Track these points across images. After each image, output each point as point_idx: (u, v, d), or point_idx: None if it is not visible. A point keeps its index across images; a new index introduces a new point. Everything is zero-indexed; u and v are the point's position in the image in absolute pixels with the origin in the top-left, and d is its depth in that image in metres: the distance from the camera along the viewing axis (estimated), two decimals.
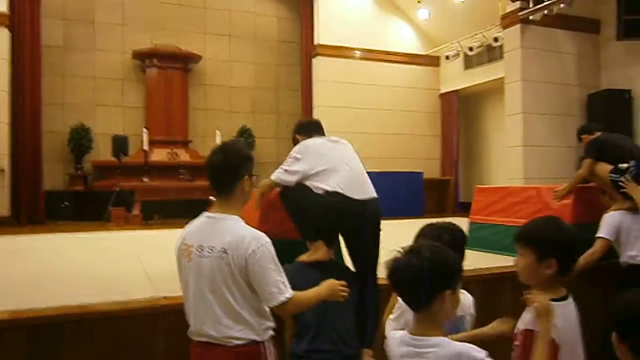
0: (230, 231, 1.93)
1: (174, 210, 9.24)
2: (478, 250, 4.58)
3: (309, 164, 2.76)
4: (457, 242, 2.04)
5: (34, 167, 9.10)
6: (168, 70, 10.62)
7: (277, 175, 2.87)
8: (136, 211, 8.64)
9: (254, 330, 1.93)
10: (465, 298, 2.10)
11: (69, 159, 10.06)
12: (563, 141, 8.30)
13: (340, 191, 2.64)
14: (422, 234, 2.10)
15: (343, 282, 2.11)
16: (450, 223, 2.16)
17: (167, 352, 2.62)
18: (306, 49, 11.38)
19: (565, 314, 1.85)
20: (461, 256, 1.94)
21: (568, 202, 4.08)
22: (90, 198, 9.60)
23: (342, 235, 2.85)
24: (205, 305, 1.92)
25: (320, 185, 2.69)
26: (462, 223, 5.10)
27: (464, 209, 9.65)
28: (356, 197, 2.68)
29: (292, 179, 2.79)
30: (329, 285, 2.08)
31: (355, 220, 2.67)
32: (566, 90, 8.57)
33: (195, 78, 11.25)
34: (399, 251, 1.61)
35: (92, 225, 8.37)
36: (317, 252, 2.60)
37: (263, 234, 1.97)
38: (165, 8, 10.98)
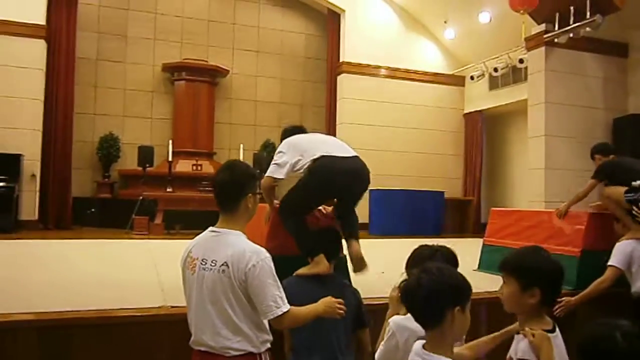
0: (232, 245, 2.01)
1: (195, 221, 9.35)
2: (489, 273, 4.56)
3: (294, 153, 2.94)
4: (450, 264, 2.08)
5: (63, 174, 9.39)
6: (196, 83, 10.89)
7: (269, 171, 3.01)
8: (158, 220, 8.81)
9: (251, 343, 1.99)
10: None
11: (97, 167, 10.38)
12: (586, 165, 8.06)
13: (326, 154, 2.82)
14: (415, 255, 2.14)
15: (340, 300, 2.17)
16: (443, 246, 2.20)
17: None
18: (332, 66, 11.52)
19: (557, 345, 1.87)
20: None
21: (581, 228, 4.05)
22: (115, 205, 9.86)
23: (337, 193, 2.98)
24: (206, 315, 2.00)
25: (308, 159, 2.85)
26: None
27: (485, 229, 9.56)
28: (341, 155, 2.85)
29: (282, 171, 2.94)
30: (327, 303, 2.14)
31: (348, 175, 2.84)
32: (591, 113, 8.48)
33: (222, 92, 11.50)
34: (411, 273, 1.69)
35: (116, 232, 8.59)
36: (317, 266, 2.65)
37: (263, 249, 2.04)
38: (196, 23, 11.29)
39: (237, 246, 2.01)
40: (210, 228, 2.13)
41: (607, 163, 4.10)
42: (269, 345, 2.08)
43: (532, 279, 1.88)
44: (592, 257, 3.86)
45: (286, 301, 2.00)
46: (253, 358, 2.00)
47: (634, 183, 3.71)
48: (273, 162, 3.00)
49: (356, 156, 2.94)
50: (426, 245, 2.20)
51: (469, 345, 2.11)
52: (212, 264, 2.00)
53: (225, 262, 1.97)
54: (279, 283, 2.02)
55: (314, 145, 2.92)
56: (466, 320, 1.63)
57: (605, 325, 1.39)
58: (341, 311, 2.14)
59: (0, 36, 8.50)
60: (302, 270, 2.68)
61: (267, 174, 3.00)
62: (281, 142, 3.19)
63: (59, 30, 9.35)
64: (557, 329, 1.92)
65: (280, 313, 1.96)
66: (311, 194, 2.95)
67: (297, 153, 2.92)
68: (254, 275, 1.95)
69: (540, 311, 1.92)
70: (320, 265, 2.65)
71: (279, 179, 3.00)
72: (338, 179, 2.77)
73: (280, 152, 3.00)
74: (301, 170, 2.93)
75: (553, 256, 4.02)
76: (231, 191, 2.12)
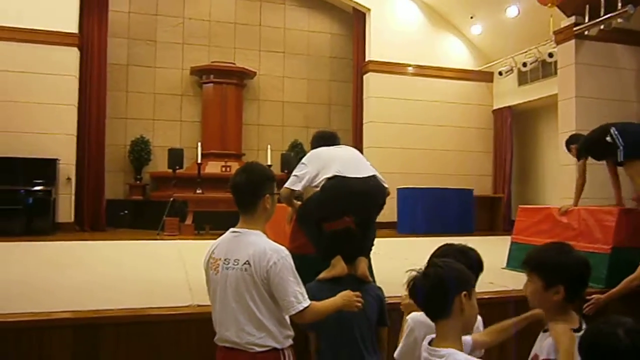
0: (253, 245, 2.08)
1: (224, 221, 9.45)
2: (517, 271, 4.51)
3: (314, 167, 2.97)
4: (472, 266, 2.07)
5: (97, 177, 9.67)
6: (224, 85, 11.05)
7: (289, 182, 3.07)
8: (189, 221, 8.99)
9: (275, 338, 2.05)
10: None
11: (129, 169, 10.64)
12: None
13: (338, 174, 2.83)
14: (439, 253, 2.15)
15: (358, 293, 2.21)
16: (468, 247, 2.18)
17: (197, 357, 2.78)
18: (358, 65, 11.52)
19: None
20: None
21: (611, 224, 3.97)
22: (147, 207, 10.11)
23: (347, 213, 3.00)
24: (230, 313, 2.06)
25: (323, 177, 2.88)
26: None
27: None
28: (353, 175, 2.85)
29: (300, 184, 2.99)
30: (344, 295, 2.20)
31: (356, 197, 2.84)
32: (624, 106, 8.24)
33: (249, 93, 11.64)
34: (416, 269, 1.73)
35: (148, 233, 8.80)
36: (334, 269, 2.68)
37: (283, 248, 2.10)
38: (223, 27, 11.46)
39: (258, 245, 2.07)
40: (231, 229, 2.19)
41: (578, 140, 4.54)
42: (291, 341, 2.13)
43: (555, 277, 1.87)
44: (623, 255, 3.78)
45: (307, 297, 2.06)
46: (277, 353, 2.05)
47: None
48: (294, 173, 3.07)
49: (371, 176, 2.95)
50: (449, 245, 2.20)
51: (487, 330, 2.11)
52: (235, 263, 2.06)
53: (247, 261, 2.04)
54: (299, 279, 2.07)
55: (331, 162, 2.95)
56: (473, 308, 1.65)
57: (607, 323, 1.37)
58: (359, 304, 2.19)
59: (36, 45, 8.82)
60: (321, 275, 2.71)
61: (286, 185, 3.06)
62: (311, 147, 3.27)
63: (91, 38, 9.63)
64: (584, 327, 1.90)
65: (301, 308, 2.02)
66: (323, 211, 3.00)
67: (316, 168, 2.97)
68: (275, 272, 2.01)
69: (566, 308, 1.91)
70: (337, 267, 2.67)
71: (297, 191, 3.08)
72: (347, 201, 2.82)
73: (302, 164, 3.07)
74: (318, 186, 2.98)
75: (582, 254, 3.98)
76: (248, 193, 2.17)
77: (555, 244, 2.05)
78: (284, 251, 2.08)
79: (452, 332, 1.63)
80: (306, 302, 2.04)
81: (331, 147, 3.15)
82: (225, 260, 2.10)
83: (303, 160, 3.07)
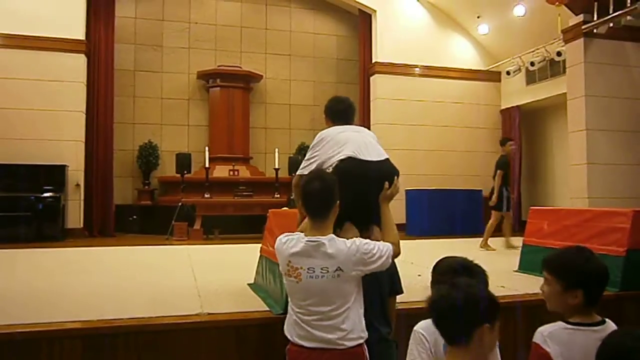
0: (338, 253, 2.17)
1: (233, 225, 9.57)
2: (529, 274, 4.46)
3: (326, 149, 2.83)
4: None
5: (105, 182, 9.69)
6: (230, 89, 11.06)
7: (301, 168, 2.93)
8: (197, 226, 8.99)
9: (359, 334, 2.19)
10: None
11: (137, 174, 10.67)
12: (630, 159, 7.92)
13: (352, 155, 2.70)
14: (440, 268, 2.09)
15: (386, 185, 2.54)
16: (475, 264, 2.11)
17: None
18: (364, 67, 11.48)
19: (577, 342, 1.80)
20: None
21: (626, 226, 3.90)
22: (155, 212, 10.13)
23: (360, 196, 2.77)
24: (319, 315, 2.15)
25: (336, 159, 2.73)
26: (521, 242, 5.01)
27: (525, 227, 9.34)
28: (367, 158, 2.72)
29: (309, 168, 2.84)
30: (386, 196, 2.55)
31: (371, 179, 2.69)
32: (634, 105, 8.18)
33: (256, 96, 11.64)
34: (439, 288, 1.68)
35: (157, 238, 8.81)
36: (347, 233, 2.56)
37: (355, 241, 2.23)
38: (229, 30, 11.47)
39: (341, 251, 2.17)
40: (304, 238, 2.23)
41: None
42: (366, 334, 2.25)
43: (574, 281, 1.85)
44: (638, 257, 3.72)
45: (381, 244, 2.27)
46: (360, 348, 2.18)
47: None
48: (305, 158, 2.96)
49: (385, 159, 2.83)
50: (450, 258, 2.14)
51: None
52: (323, 271, 2.15)
53: (338, 267, 2.15)
54: (367, 241, 2.24)
55: (344, 144, 2.82)
56: (494, 338, 1.59)
57: (631, 335, 1.33)
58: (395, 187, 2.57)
59: (43, 52, 8.87)
60: None
61: (298, 172, 2.94)
62: (324, 114, 3.15)
63: (98, 44, 9.66)
64: (606, 323, 1.86)
65: (391, 251, 2.27)
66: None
67: (329, 150, 2.84)
68: (363, 260, 2.18)
69: (586, 309, 1.87)
70: (349, 232, 2.57)
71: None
72: (361, 183, 2.68)
73: (313, 146, 2.94)
74: (330, 167, 2.86)
75: (602, 260, 3.92)
76: (325, 200, 2.25)
77: (576, 247, 2.01)
78: (360, 244, 2.20)
79: (467, 357, 1.56)
80: (386, 245, 2.27)
81: (343, 128, 2.99)
82: (309, 269, 2.17)
83: (314, 141, 2.93)
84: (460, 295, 1.55)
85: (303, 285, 2.18)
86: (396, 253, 2.32)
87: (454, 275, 1.97)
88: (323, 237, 2.20)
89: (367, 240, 2.25)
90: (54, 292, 3.81)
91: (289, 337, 2.25)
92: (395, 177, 2.64)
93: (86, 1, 9.43)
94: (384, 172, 2.73)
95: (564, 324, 1.87)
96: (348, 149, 2.74)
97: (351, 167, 2.66)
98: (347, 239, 2.50)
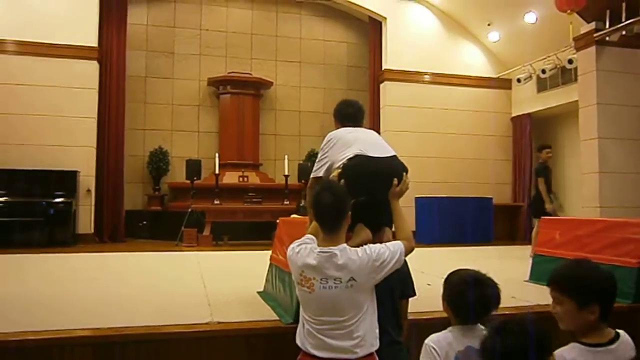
0: (351, 263, 2.16)
1: (242, 232, 9.59)
2: (541, 284, 4.41)
3: (336, 150, 2.83)
4: (490, 302, 2.01)
5: (116, 188, 9.74)
6: (241, 96, 11.11)
7: (314, 170, 2.93)
8: (207, 232, 9.01)
9: (372, 342, 2.18)
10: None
11: (147, 180, 10.73)
12: None
13: (360, 152, 2.69)
14: (452, 284, 2.08)
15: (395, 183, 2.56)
16: (487, 277, 2.09)
17: None
18: (374, 74, 11.49)
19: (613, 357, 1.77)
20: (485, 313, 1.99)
21: (639, 237, 3.86)
22: (165, 218, 10.17)
23: (370, 193, 2.77)
24: (333, 324, 2.15)
25: (345, 158, 2.71)
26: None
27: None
28: (375, 155, 2.71)
29: (321, 170, 2.86)
30: (395, 192, 2.55)
31: (379, 176, 2.68)
32: None
33: (266, 103, 11.68)
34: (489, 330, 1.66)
35: (166, 244, 8.84)
36: (359, 236, 2.56)
37: (366, 249, 2.22)
38: (239, 37, 11.54)
39: (353, 261, 2.16)
40: (317, 249, 2.22)
41: None
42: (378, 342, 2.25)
43: (590, 296, 1.78)
44: None
45: (391, 244, 2.27)
46: (372, 357, 2.18)
47: None
48: (317, 160, 2.96)
49: (392, 156, 2.82)
50: (462, 271, 2.12)
51: None
52: (337, 282, 2.14)
53: (351, 278, 2.14)
54: (379, 245, 2.24)
55: (352, 143, 2.81)
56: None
57: None
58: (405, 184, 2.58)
59: (56, 59, 8.96)
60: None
61: (312, 175, 2.95)
62: (334, 117, 3.15)
63: (110, 51, 9.75)
64: (619, 339, 1.82)
65: (403, 249, 2.26)
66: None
67: (338, 150, 2.83)
68: (377, 267, 2.18)
69: (600, 325, 1.82)
70: (362, 233, 2.57)
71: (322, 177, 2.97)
72: (369, 179, 2.67)
73: (323, 148, 2.94)
74: (339, 167, 2.81)
75: (609, 268, 3.86)
76: (338, 213, 2.24)
77: (578, 261, 1.94)
78: (367, 247, 2.22)
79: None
80: (398, 244, 2.27)
81: (352, 129, 2.99)
82: (322, 279, 2.16)
83: (323, 142, 2.94)
84: (514, 343, 1.52)
85: (316, 295, 2.17)
86: (408, 249, 2.31)
87: (466, 287, 1.96)
88: (335, 247, 2.19)
89: (377, 245, 2.24)
90: (64, 299, 3.82)
91: (300, 346, 2.24)
92: (405, 174, 2.63)
93: (99, 8, 9.52)
94: (393, 168, 2.72)
95: (580, 345, 1.80)
96: (356, 147, 2.73)
97: (359, 164, 2.65)
98: (359, 242, 2.51)
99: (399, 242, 2.30)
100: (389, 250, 2.23)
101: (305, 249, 2.24)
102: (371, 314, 2.21)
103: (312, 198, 2.32)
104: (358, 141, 2.79)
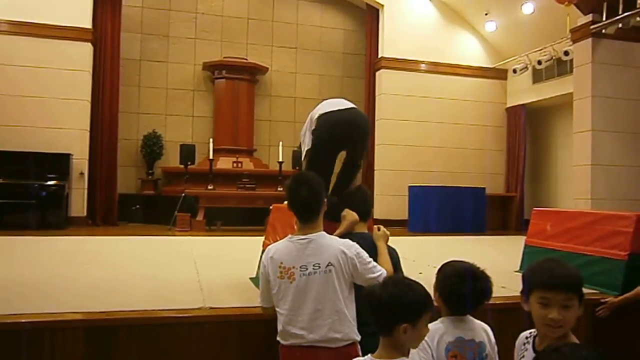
0: (329, 247, 2.23)
1: (235, 217, 9.60)
2: None
3: (310, 123, 3.19)
4: (484, 293, 2.03)
5: (109, 172, 9.72)
6: (236, 81, 11.05)
7: (305, 145, 3.20)
8: (200, 217, 9.02)
9: (353, 332, 2.20)
10: (483, 327, 2.06)
11: (141, 164, 10.69)
12: (635, 160, 7.89)
13: (323, 112, 3.06)
14: (444, 276, 2.10)
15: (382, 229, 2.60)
16: (481, 271, 2.10)
17: None
18: (370, 61, 11.45)
19: None
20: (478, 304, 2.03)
21: (629, 230, 3.89)
22: (159, 202, 10.16)
23: (340, 143, 3.12)
24: (313, 313, 2.16)
25: (314, 123, 3.08)
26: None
27: (528, 226, 9.35)
28: (337, 108, 3.08)
29: (307, 142, 3.16)
30: (381, 235, 2.56)
31: (343, 125, 3.03)
32: None
33: (261, 89, 11.62)
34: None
35: (159, 228, 8.84)
36: (345, 219, 2.66)
37: (348, 240, 2.30)
38: (235, 22, 11.44)
39: (332, 246, 2.23)
40: (294, 237, 2.26)
41: None
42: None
43: (581, 292, 1.76)
44: None
45: (378, 265, 2.30)
46: (354, 346, 2.18)
47: None
48: (302, 140, 3.25)
49: (353, 107, 3.13)
50: (457, 262, 2.13)
51: None
52: (315, 267, 2.18)
53: (330, 263, 2.19)
54: (368, 256, 2.28)
55: (318, 108, 3.16)
56: (418, 333, 1.70)
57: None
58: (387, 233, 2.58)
59: (49, 40, 8.87)
60: (337, 232, 2.62)
61: (305, 148, 3.18)
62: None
63: (104, 33, 9.65)
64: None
65: (384, 273, 2.26)
66: (320, 152, 3.07)
67: (311, 122, 3.15)
68: (359, 263, 2.23)
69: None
70: (348, 216, 2.66)
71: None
72: (337, 129, 2.98)
73: (306, 127, 3.23)
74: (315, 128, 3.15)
75: (598, 259, 3.90)
76: (314, 204, 2.28)
77: (551, 260, 1.87)
78: (352, 243, 2.27)
79: (396, 348, 1.70)
80: (381, 269, 2.27)
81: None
82: (301, 267, 2.20)
83: (305, 123, 3.24)
84: (387, 293, 1.70)
85: (297, 284, 2.19)
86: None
87: (459, 280, 1.98)
88: (312, 234, 2.23)
89: (369, 262, 2.27)
90: (55, 282, 3.82)
91: (280, 340, 2.25)
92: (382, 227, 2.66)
93: None
94: (357, 115, 3.11)
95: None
96: (321, 110, 3.10)
97: (329, 115, 3.02)
98: (347, 226, 2.65)
99: (381, 274, 2.27)
100: (372, 260, 2.27)
101: (279, 247, 2.29)
102: (351, 305, 2.22)
103: (287, 190, 2.35)
104: (324, 105, 3.16)
